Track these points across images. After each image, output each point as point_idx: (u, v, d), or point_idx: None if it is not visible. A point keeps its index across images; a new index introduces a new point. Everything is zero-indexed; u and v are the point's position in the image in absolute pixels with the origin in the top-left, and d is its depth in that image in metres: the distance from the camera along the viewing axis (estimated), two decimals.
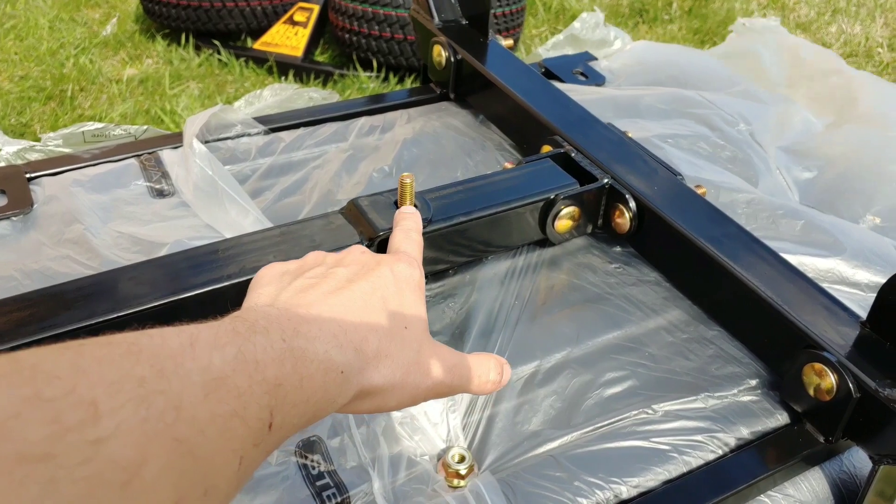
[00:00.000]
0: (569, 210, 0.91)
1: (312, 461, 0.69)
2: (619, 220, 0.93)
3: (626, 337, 0.85)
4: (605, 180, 0.92)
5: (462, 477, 0.69)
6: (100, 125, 1.03)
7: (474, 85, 1.16)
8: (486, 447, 0.73)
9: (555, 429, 0.75)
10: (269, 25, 2.63)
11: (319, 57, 2.67)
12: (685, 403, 0.78)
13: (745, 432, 0.76)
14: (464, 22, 1.22)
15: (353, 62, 2.47)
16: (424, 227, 0.82)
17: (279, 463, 0.68)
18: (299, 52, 2.54)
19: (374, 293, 0.56)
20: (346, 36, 2.43)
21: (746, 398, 0.80)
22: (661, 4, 3.16)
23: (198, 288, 0.73)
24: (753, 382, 0.81)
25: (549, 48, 1.50)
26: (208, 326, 0.43)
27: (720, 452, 0.75)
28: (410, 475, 0.70)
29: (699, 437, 0.75)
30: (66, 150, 1.03)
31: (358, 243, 0.79)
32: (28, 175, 0.97)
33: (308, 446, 0.70)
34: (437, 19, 1.20)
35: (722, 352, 0.84)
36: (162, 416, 0.35)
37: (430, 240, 0.83)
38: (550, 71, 1.28)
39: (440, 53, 1.18)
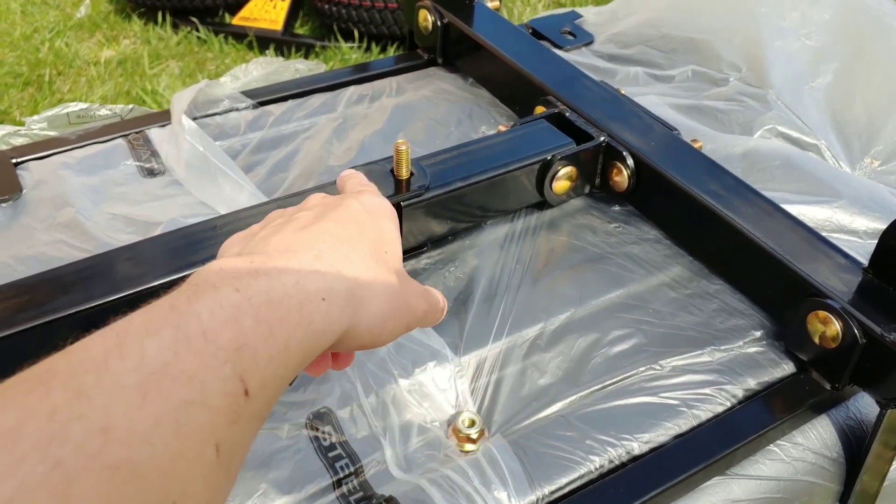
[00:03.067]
0: (566, 170, 0.90)
1: (324, 433, 0.69)
2: (616, 179, 0.92)
3: (630, 295, 0.85)
4: (602, 138, 0.91)
5: (473, 441, 0.69)
6: (84, 105, 1.01)
7: (462, 48, 1.14)
8: (496, 411, 0.73)
9: (563, 389, 0.75)
10: (247, 0, 2.59)
11: (300, 30, 2.63)
12: (692, 358, 0.78)
13: (752, 383, 0.77)
14: None
15: (334, 34, 2.44)
16: (422, 195, 0.81)
17: (290, 436, 0.68)
18: (279, 26, 2.51)
19: (349, 221, 0.52)
20: (326, 7, 2.40)
21: (752, 349, 0.80)
22: None
23: (197, 265, 0.72)
24: (758, 334, 0.81)
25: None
26: (144, 310, 0.38)
27: (728, 404, 0.75)
28: (422, 442, 0.69)
29: (707, 391, 0.75)
30: (52, 133, 1.01)
31: None
32: (14, 160, 0.95)
33: (319, 417, 0.69)
34: None
35: (725, 305, 0.84)
36: (82, 449, 0.30)
37: (429, 207, 0.83)
38: (538, 31, 1.27)
39: (426, 18, 1.16)
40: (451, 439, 0.70)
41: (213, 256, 0.73)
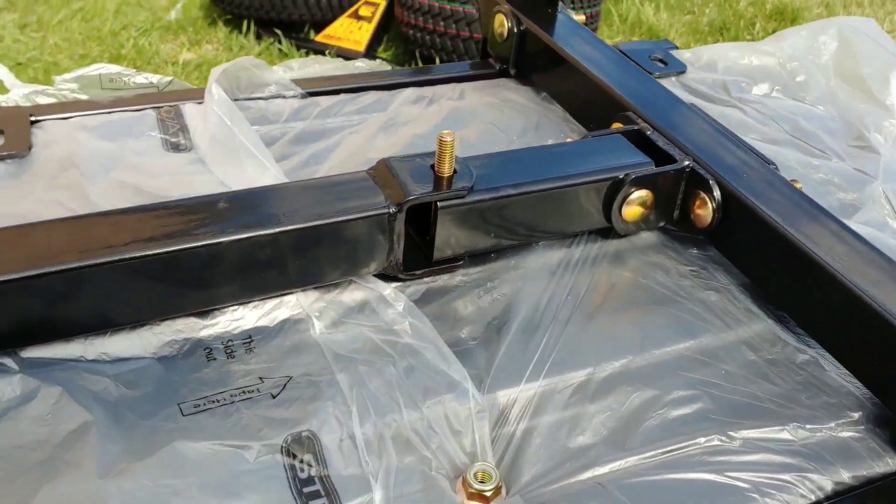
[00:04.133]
0: (640, 194, 0.76)
1: (302, 462, 0.56)
2: (699, 211, 0.78)
3: (700, 349, 0.70)
4: (686, 162, 0.78)
5: (486, 500, 0.55)
6: (119, 68, 0.93)
7: (538, 58, 1.02)
8: (520, 466, 0.59)
9: (606, 451, 0.61)
10: (334, 18, 2.55)
11: (382, 53, 2.57)
12: (769, 433, 0.63)
13: (845, 475, 0.61)
14: None
15: (415, 59, 2.37)
16: (464, 197, 0.69)
17: (260, 460, 0.55)
18: (361, 47, 2.45)
19: None
20: (411, 32, 2.33)
21: (846, 434, 0.64)
22: (743, 24, 2.99)
23: (188, 241, 0.61)
24: (856, 416, 0.66)
25: None
26: None
27: (813, 498, 0.60)
28: (421, 492, 0.56)
29: (786, 477, 0.60)
30: (81, 96, 0.93)
31: (384, 207, 0.66)
32: (33, 118, 0.87)
33: (298, 442, 0.56)
34: None
35: (815, 379, 0.69)
36: None
37: (470, 213, 0.70)
38: (625, 54, 1.14)
39: (502, 24, 1.05)
40: (458, 494, 0.56)
41: (210, 234, 0.62)
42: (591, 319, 0.71)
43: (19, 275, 0.56)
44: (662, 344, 0.70)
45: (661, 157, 0.79)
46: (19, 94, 0.92)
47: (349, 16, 2.55)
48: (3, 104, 0.91)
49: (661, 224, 0.82)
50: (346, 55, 2.43)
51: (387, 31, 2.62)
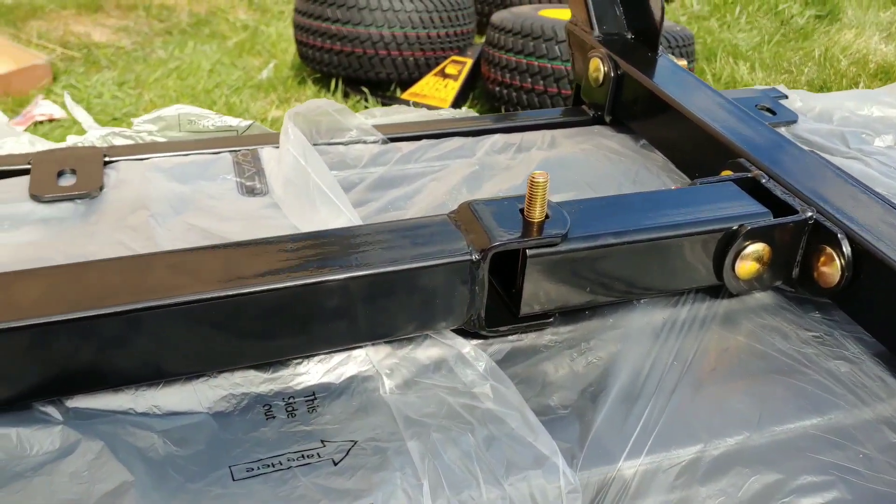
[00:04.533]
0: (756, 248, 0.67)
1: None
2: (824, 269, 0.68)
3: (830, 428, 0.60)
4: (809, 213, 0.68)
5: None
6: (198, 110, 0.90)
7: (637, 103, 0.95)
8: None
9: None
10: (420, 76, 2.56)
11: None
12: None
13: None
14: (629, 36, 1.03)
15: None
16: (557, 245, 0.61)
17: None
18: (447, 104, 2.44)
19: None
20: (498, 89, 2.31)
21: None
22: (845, 83, 2.85)
23: (250, 286, 0.55)
24: None
25: None
26: None
27: None
28: None
29: None
30: (158, 138, 0.91)
31: (465, 254, 0.59)
32: (107, 158, 0.84)
33: None
34: (597, 31, 1.02)
35: None
36: None
37: (563, 264, 0.62)
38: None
39: (598, 68, 0.99)
40: None
41: (279, 278, 0.56)
42: (700, 389, 0.62)
43: (68, 316, 0.51)
44: (785, 420, 0.60)
45: (779, 207, 0.70)
46: (96, 135, 0.90)
47: (435, 74, 2.55)
48: (80, 145, 0.89)
49: (778, 283, 0.72)
50: None
51: (473, 89, 2.60)
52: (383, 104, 2.50)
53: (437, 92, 2.49)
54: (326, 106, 0.90)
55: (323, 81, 2.66)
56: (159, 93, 2.70)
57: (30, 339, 0.51)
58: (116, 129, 0.90)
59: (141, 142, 0.90)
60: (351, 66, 2.54)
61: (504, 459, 0.53)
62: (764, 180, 0.73)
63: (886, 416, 0.61)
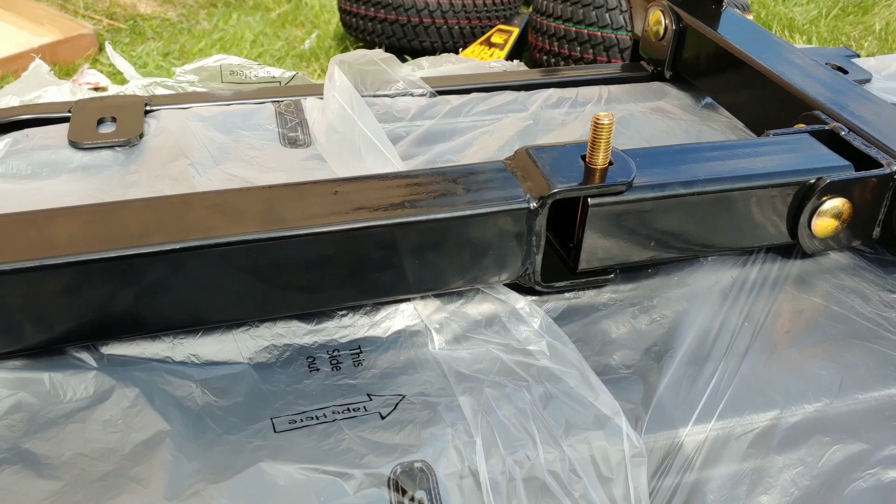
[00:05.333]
0: (835, 203, 0.62)
1: (412, 499, 0.45)
2: None
3: None
4: (895, 167, 0.63)
5: None
6: (241, 60, 0.87)
7: (701, 58, 0.89)
8: None
9: None
10: (466, 45, 2.50)
11: None
12: None
13: None
14: None
15: None
16: (622, 192, 0.57)
17: (361, 492, 0.44)
18: None
19: None
20: (544, 57, 2.24)
21: None
22: None
23: (293, 228, 0.52)
24: None
25: None
26: None
27: None
28: None
29: None
30: (200, 89, 0.88)
31: (522, 201, 0.55)
32: (148, 108, 0.81)
33: (409, 475, 0.45)
34: None
35: None
36: None
37: (627, 215, 0.58)
38: None
39: (659, 21, 0.93)
40: None
41: (311, 217, 0.53)
42: (774, 352, 0.57)
43: (102, 255, 0.48)
44: (868, 387, 0.55)
45: (860, 160, 0.64)
46: (138, 84, 0.87)
47: (481, 43, 2.49)
48: (122, 94, 0.86)
49: (857, 243, 0.67)
50: None
51: (519, 59, 2.54)
52: None
53: (482, 60, 2.44)
54: (373, 55, 0.86)
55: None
56: None
57: (64, 279, 0.48)
58: (158, 80, 0.87)
59: (182, 92, 0.88)
60: (395, 35, 2.50)
61: (563, 419, 0.49)
62: (843, 133, 0.67)
63: None
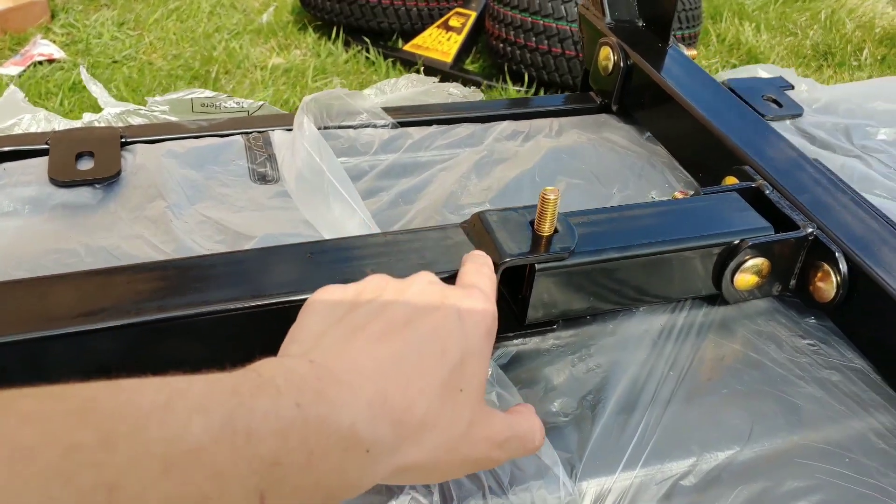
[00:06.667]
0: (756, 262, 0.70)
1: None
2: (820, 285, 0.71)
3: (819, 437, 0.63)
4: (810, 229, 0.71)
5: None
6: (211, 94, 0.91)
7: (644, 95, 0.96)
8: None
9: None
10: (423, 28, 2.53)
11: (470, 66, 2.53)
12: None
13: None
14: (640, 24, 1.03)
15: (503, 74, 2.32)
16: (564, 259, 0.64)
17: None
18: (449, 58, 2.42)
19: (434, 340, 0.47)
20: (501, 46, 2.29)
21: None
22: (850, 49, 2.83)
23: (271, 297, 0.57)
24: None
25: None
26: (207, 379, 0.36)
27: None
28: None
29: None
30: (172, 118, 0.92)
31: None
32: (124, 139, 0.85)
33: None
34: (608, 17, 1.02)
35: None
36: (83, 499, 0.28)
37: (570, 276, 0.65)
38: (735, 93, 1.07)
39: (608, 56, 0.99)
40: None
41: (293, 290, 0.59)
42: (694, 400, 0.65)
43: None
44: (776, 432, 0.63)
45: (780, 220, 0.72)
46: (112, 112, 0.91)
47: (439, 26, 2.52)
48: (97, 124, 0.90)
49: (775, 293, 0.75)
50: (434, 66, 2.40)
51: (476, 44, 2.58)
52: (385, 55, 2.48)
53: (439, 45, 2.47)
54: (340, 92, 0.91)
55: (324, 29, 2.63)
56: (159, 35, 2.66)
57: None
58: (132, 107, 0.91)
59: (156, 121, 0.91)
60: (353, 15, 2.51)
61: (509, 469, 0.56)
62: (768, 191, 0.75)
63: (875, 426, 0.65)
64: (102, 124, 0.90)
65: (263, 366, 0.41)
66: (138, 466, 0.31)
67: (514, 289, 0.68)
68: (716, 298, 0.74)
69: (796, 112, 1.05)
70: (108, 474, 0.30)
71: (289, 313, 0.57)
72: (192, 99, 0.92)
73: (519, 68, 2.27)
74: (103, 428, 0.31)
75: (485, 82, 2.35)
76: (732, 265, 0.69)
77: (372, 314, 0.48)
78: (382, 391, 0.43)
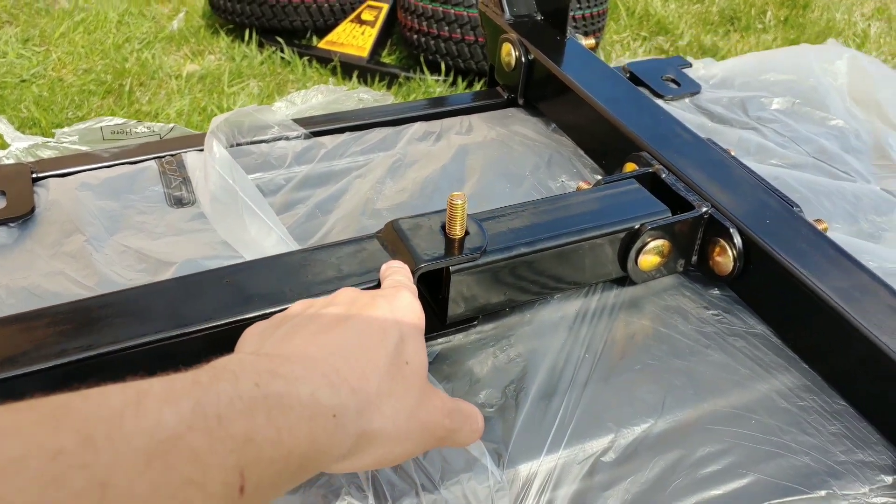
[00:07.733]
0: (656, 244, 0.74)
1: None
2: (718, 259, 0.75)
3: (728, 402, 0.68)
4: (704, 209, 0.75)
5: None
6: (120, 121, 0.91)
7: (547, 89, 1.00)
8: None
9: None
10: (336, 24, 2.52)
11: (386, 58, 2.54)
12: (803, 498, 0.61)
13: None
14: (539, 18, 1.07)
15: (420, 65, 2.34)
16: (476, 259, 0.67)
17: None
18: (365, 53, 2.43)
19: (370, 328, 0.51)
20: (415, 37, 2.30)
21: (880, 501, 0.62)
22: (754, 12, 2.94)
23: (194, 323, 0.59)
24: (889, 480, 0.63)
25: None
26: (165, 379, 0.38)
27: None
28: None
29: None
30: (82, 149, 0.92)
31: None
32: (34, 175, 0.85)
33: None
34: (507, 14, 1.05)
35: (848, 432, 0.67)
36: (79, 499, 0.30)
37: (483, 274, 0.68)
38: (636, 76, 1.11)
39: (509, 53, 1.03)
40: None
41: (215, 316, 0.61)
42: (609, 379, 0.69)
43: None
44: (686, 403, 0.68)
45: (677, 203, 0.76)
46: (20, 147, 0.90)
47: (351, 21, 2.52)
48: (4, 160, 0.89)
49: (679, 270, 0.79)
50: (350, 61, 2.41)
51: (390, 36, 2.59)
52: (300, 54, 2.47)
53: (354, 40, 2.47)
54: (249, 109, 0.92)
55: (236, 32, 2.60)
56: (67, 49, 2.60)
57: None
58: (40, 140, 0.90)
59: (66, 153, 0.91)
60: (264, 16, 2.49)
61: (439, 466, 0.60)
62: (664, 175, 0.79)
63: (776, 387, 0.70)
64: (11, 160, 0.90)
65: (216, 361, 0.43)
66: (123, 461, 0.32)
67: (433, 290, 0.71)
68: (626, 280, 0.78)
69: (694, 90, 1.10)
70: (98, 473, 0.31)
71: (213, 340, 0.59)
72: (101, 127, 0.92)
73: (434, 58, 2.29)
74: (82, 430, 0.32)
75: (403, 74, 2.37)
76: (635, 248, 0.74)
77: (306, 320, 0.51)
78: (334, 366, 0.46)
